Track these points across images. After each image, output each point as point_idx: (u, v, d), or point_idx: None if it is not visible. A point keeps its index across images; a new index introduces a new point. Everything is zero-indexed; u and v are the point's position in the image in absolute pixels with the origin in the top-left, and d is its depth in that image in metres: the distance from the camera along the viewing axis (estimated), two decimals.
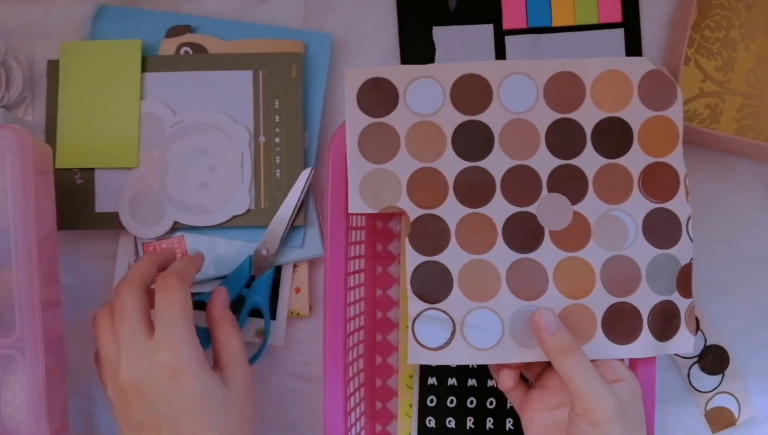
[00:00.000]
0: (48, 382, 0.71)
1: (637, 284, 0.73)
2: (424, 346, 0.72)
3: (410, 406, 0.83)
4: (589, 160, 0.73)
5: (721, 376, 0.84)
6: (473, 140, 0.73)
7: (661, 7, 0.83)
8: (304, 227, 0.83)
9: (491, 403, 0.82)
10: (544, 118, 0.73)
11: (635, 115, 0.73)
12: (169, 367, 0.67)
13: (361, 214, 0.80)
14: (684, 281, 0.73)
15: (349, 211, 0.73)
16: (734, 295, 0.84)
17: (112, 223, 0.82)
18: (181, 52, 0.83)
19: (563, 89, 0.73)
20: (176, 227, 0.82)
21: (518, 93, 0.73)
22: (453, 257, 0.73)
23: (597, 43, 0.83)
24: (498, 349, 0.72)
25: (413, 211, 0.73)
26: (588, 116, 0.73)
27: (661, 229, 0.73)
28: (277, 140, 0.82)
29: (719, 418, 0.84)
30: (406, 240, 0.73)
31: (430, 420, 0.82)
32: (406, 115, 0.73)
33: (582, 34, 0.83)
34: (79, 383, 0.85)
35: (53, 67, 0.83)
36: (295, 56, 0.82)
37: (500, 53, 0.84)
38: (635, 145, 0.73)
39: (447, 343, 0.72)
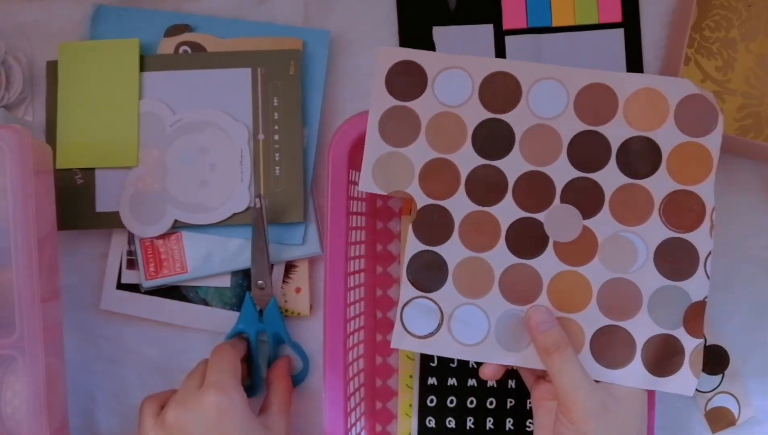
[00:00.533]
0: (48, 382, 0.71)
1: (635, 311, 0.71)
2: (409, 332, 0.72)
3: (410, 406, 0.83)
4: (610, 177, 0.71)
5: (721, 376, 0.84)
6: (494, 138, 0.72)
7: (661, 7, 0.83)
8: (305, 224, 0.83)
9: (491, 403, 0.82)
10: (570, 127, 0.71)
11: (667, 137, 0.70)
12: (216, 405, 0.71)
13: (362, 214, 0.80)
14: (693, 319, 0.70)
15: (359, 188, 0.73)
16: (734, 295, 0.84)
17: (112, 222, 0.82)
18: (180, 51, 0.83)
19: (595, 101, 0.71)
20: (177, 226, 0.82)
21: (548, 98, 0.71)
22: (452, 250, 0.72)
23: (597, 43, 0.83)
24: (481, 347, 0.72)
25: (421, 199, 0.72)
26: (616, 132, 0.71)
27: (675, 259, 0.71)
28: (276, 138, 0.82)
29: (719, 418, 0.84)
30: (410, 226, 0.73)
31: (430, 420, 0.82)
32: (431, 102, 0.72)
33: (582, 34, 0.83)
34: (79, 383, 0.85)
35: (52, 67, 0.83)
36: (293, 53, 0.82)
37: (500, 53, 0.83)
38: (662, 168, 0.70)
39: (432, 334, 0.72)
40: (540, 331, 0.69)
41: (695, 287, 0.70)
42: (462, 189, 0.72)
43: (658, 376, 0.70)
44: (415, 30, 0.84)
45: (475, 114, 0.72)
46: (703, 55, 0.82)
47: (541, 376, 0.73)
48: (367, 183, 0.73)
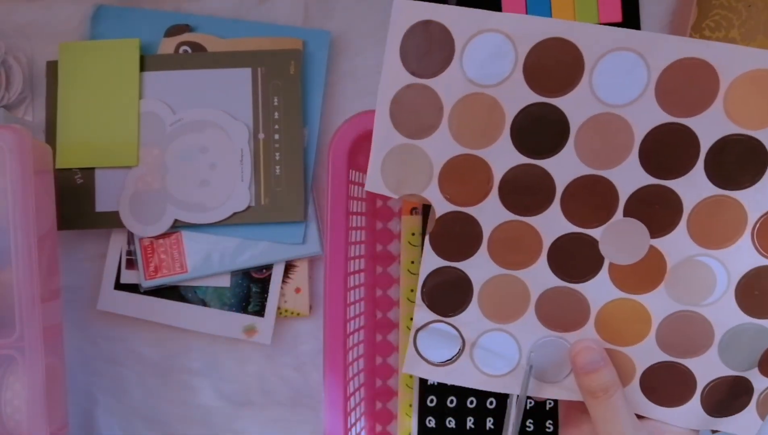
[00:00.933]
0: (48, 382, 0.71)
1: (702, 350, 0.59)
2: (423, 358, 0.64)
3: (410, 406, 0.83)
4: (694, 186, 0.56)
5: None
6: (541, 130, 0.57)
7: (661, 7, 0.83)
8: (305, 224, 0.82)
9: (491, 403, 0.81)
10: (648, 117, 0.55)
11: None
12: None
13: (362, 214, 0.80)
14: None
15: (366, 188, 0.61)
16: None
17: (112, 222, 0.82)
18: (180, 50, 0.83)
19: (686, 83, 0.54)
20: (176, 225, 0.82)
21: (620, 77, 0.55)
22: (479, 267, 0.61)
23: None
24: (509, 378, 0.62)
25: (441, 206, 0.60)
26: (711, 127, 0.55)
27: (763, 293, 0.57)
28: (277, 137, 0.82)
29: None
30: (427, 238, 0.61)
31: (430, 420, 0.82)
32: (458, 80, 0.57)
33: None
34: (79, 383, 0.85)
35: (52, 67, 0.83)
36: (293, 53, 0.82)
37: None
38: (765, 179, 0.55)
39: (451, 361, 0.63)
40: (586, 372, 0.60)
41: None
42: (495, 193, 0.59)
43: (716, 416, 0.60)
44: None
45: (518, 96, 0.56)
46: None
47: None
48: (375, 183, 0.60)
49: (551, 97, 0.56)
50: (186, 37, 0.83)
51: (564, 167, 0.57)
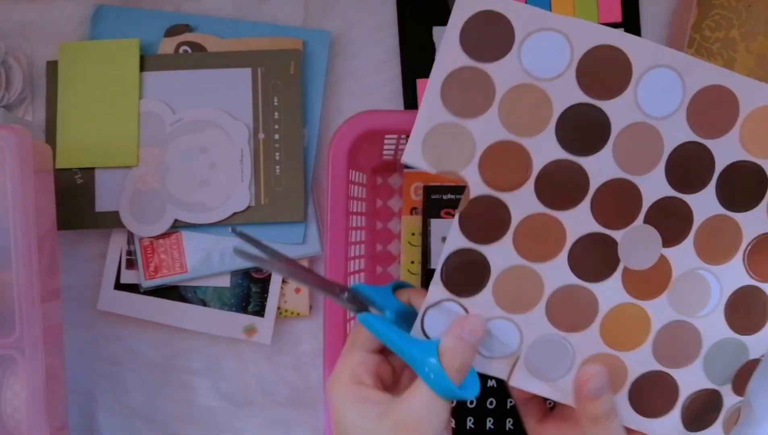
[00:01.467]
0: (48, 382, 0.71)
1: (690, 360, 0.61)
2: (425, 334, 0.61)
3: None
4: (704, 202, 0.60)
5: None
6: (584, 129, 0.59)
7: (661, 7, 0.83)
8: (305, 224, 0.83)
9: (491, 403, 0.82)
10: (677, 134, 0.59)
11: None
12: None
13: (362, 214, 0.80)
14: (743, 377, 0.62)
15: (403, 160, 0.60)
16: None
17: (112, 222, 0.82)
18: (180, 51, 0.83)
19: (713, 107, 0.58)
20: (176, 225, 0.82)
21: (661, 92, 0.58)
22: (501, 254, 0.60)
23: None
24: (502, 363, 0.62)
25: (477, 187, 0.59)
26: (726, 150, 0.59)
27: (747, 310, 0.61)
28: (277, 137, 0.82)
29: None
30: (456, 217, 0.60)
31: None
32: (513, 69, 0.58)
33: None
34: (79, 383, 0.85)
35: (52, 67, 0.83)
36: (293, 53, 0.82)
37: None
38: (763, 205, 0.60)
39: None
40: (593, 398, 0.60)
41: (757, 344, 0.61)
42: (531, 183, 0.59)
43: (691, 430, 0.62)
44: (415, 30, 0.84)
45: (568, 94, 0.58)
46: (703, 55, 0.82)
47: (549, 408, 0.67)
48: (414, 156, 0.59)
49: (598, 100, 0.59)
50: (186, 37, 0.83)
51: (600, 167, 0.59)
